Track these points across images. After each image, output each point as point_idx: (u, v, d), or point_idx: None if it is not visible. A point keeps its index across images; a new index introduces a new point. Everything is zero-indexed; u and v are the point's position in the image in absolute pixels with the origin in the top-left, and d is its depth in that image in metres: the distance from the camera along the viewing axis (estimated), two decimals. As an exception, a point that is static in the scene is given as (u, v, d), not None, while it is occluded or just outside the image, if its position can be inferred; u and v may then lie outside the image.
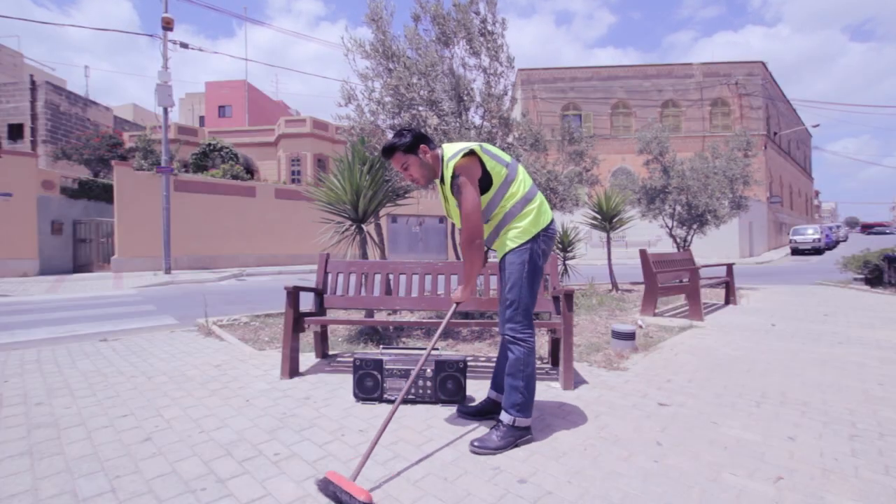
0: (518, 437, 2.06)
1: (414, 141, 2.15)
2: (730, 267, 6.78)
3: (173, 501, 1.65)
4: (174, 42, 14.53)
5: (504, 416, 2.08)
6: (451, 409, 2.49)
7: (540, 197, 2.17)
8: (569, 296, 2.80)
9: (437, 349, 2.92)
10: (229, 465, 1.91)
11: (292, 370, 3.09)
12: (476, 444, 2.02)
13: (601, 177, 8.23)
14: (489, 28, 4.51)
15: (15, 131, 22.49)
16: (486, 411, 2.37)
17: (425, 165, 2.18)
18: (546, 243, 2.13)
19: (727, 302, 6.60)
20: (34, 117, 22.53)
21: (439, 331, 2.25)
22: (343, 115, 4.72)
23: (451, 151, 2.07)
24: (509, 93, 4.60)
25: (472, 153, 2.02)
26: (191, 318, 5.79)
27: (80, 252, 15.40)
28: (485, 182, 2.07)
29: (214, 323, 4.85)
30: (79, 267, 15.30)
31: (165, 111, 14.19)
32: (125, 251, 14.48)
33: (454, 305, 2.29)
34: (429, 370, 2.55)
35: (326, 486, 1.66)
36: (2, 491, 1.73)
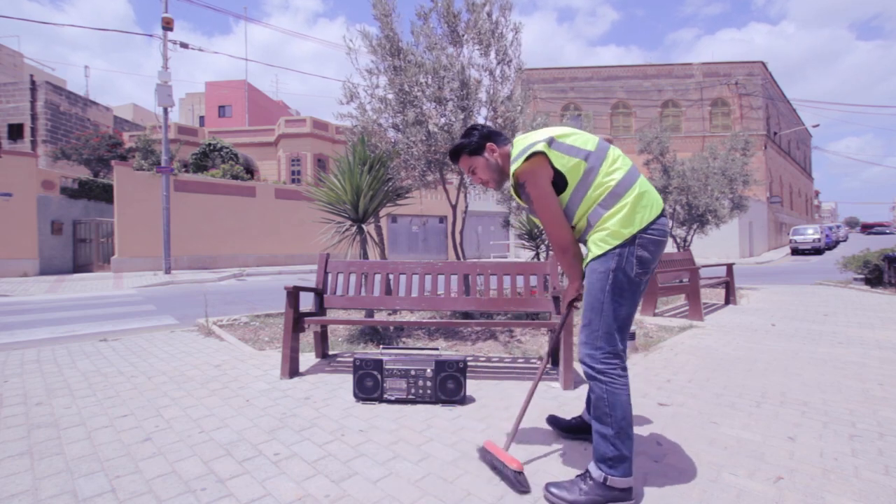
0: (609, 499, 1.60)
1: (481, 140, 1.93)
2: (730, 267, 6.78)
3: (173, 501, 1.65)
4: (174, 42, 14.52)
5: (593, 470, 1.65)
6: (451, 409, 2.49)
7: (639, 187, 1.69)
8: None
9: (437, 349, 2.92)
10: (229, 465, 1.91)
11: (292, 370, 3.09)
12: (552, 490, 1.65)
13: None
14: (501, 31, 4.48)
15: (15, 131, 22.49)
16: (578, 429, 2.13)
17: (494, 167, 1.94)
18: (647, 248, 1.65)
19: (727, 302, 6.61)
20: (34, 117, 22.52)
21: (560, 326, 2.08)
22: (345, 113, 4.70)
23: (517, 150, 1.78)
24: (515, 95, 4.58)
25: (535, 155, 1.70)
26: (191, 319, 5.79)
27: (80, 252, 15.40)
28: (560, 181, 1.73)
29: (214, 323, 4.85)
30: (79, 267, 15.30)
31: (165, 111, 14.19)
32: (125, 251, 14.47)
33: (568, 308, 2.01)
34: (428, 370, 2.55)
35: (484, 455, 1.89)
36: (2, 491, 1.73)
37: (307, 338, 3.98)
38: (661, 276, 5.58)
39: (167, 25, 14.07)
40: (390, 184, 4.51)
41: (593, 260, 1.68)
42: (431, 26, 4.50)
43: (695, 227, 9.37)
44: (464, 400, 2.57)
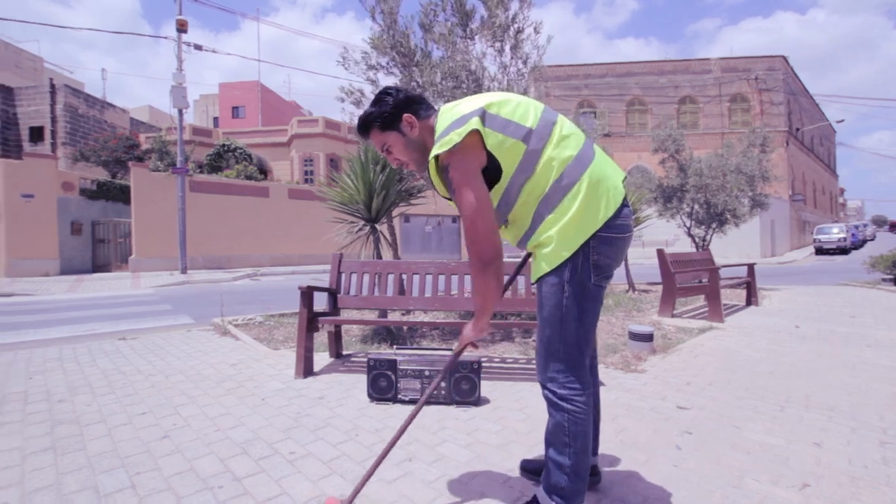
0: None
1: (394, 111, 1.49)
2: (751, 267, 6.63)
3: (192, 498, 1.66)
4: (188, 44, 14.70)
5: (542, 498, 1.46)
6: (465, 411, 2.47)
7: (591, 175, 1.36)
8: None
9: (451, 349, 2.91)
10: (246, 464, 1.92)
11: (307, 370, 3.10)
12: None
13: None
14: (519, 26, 4.42)
15: (35, 134, 23.13)
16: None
17: (414, 145, 1.52)
18: (602, 252, 1.37)
19: (748, 303, 6.46)
20: (54, 120, 23.12)
21: (441, 373, 1.67)
22: (355, 112, 4.71)
23: (443, 125, 1.39)
24: (529, 93, 4.53)
25: (469, 135, 1.33)
26: (207, 318, 5.86)
27: (98, 252, 15.73)
28: (492, 166, 1.39)
29: (230, 322, 4.90)
30: (98, 267, 15.63)
31: (180, 113, 14.40)
32: (142, 251, 14.75)
33: (464, 346, 1.58)
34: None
35: None
36: (27, 485, 1.76)
37: (321, 337, 4.00)
38: (679, 276, 5.48)
39: (181, 27, 14.16)
40: (403, 183, 4.50)
41: (544, 276, 1.40)
42: (444, 21, 4.44)
43: (714, 226, 9.18)
44: (478, 401, 2.55)
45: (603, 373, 3.12)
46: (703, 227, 9.28)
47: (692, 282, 6.04)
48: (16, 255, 13.32)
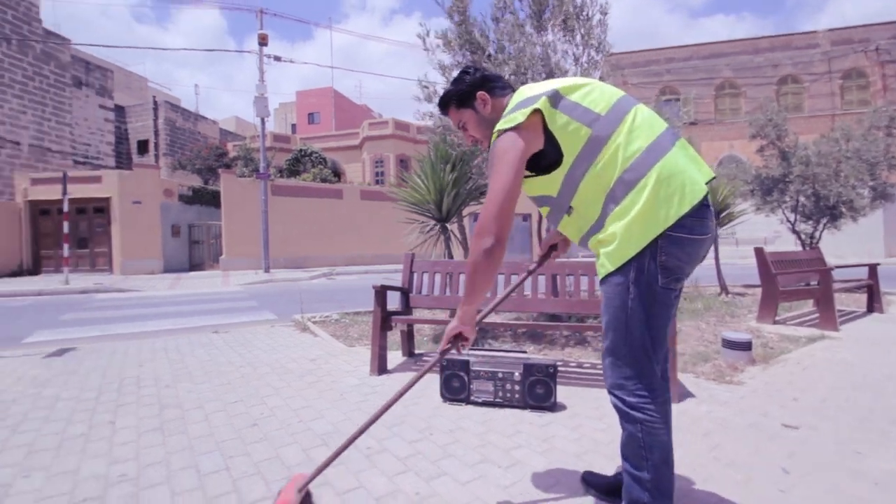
0: None
1: (470, 88, 1.52)
2: (873, 268, 5.78)
3: (278, 484, 1.74)
4: (268, 56, 15.80)
5: None
6: (541, 416, 2.39)
7: (661, 169, 1.25)
8: (671, 299, 2.55)
9: (525, 352, 2.83)
10: (326, 456, 1.98)
11: (381, 367, 3.17)
12: None
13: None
14: (588, 13, 4.22)
15: (142, 146, 26.42)
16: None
17: (487, 122, 1.51)
18: (672, 253, 1.26)
19: (870, 310, 5.65)
20: (156, 133, 26.24)
21: (429, 366, 1.63)
22: (426, 111, 4.72)
23: (513, 103, 1.39)
24: (607, 82, 4.30)
25: (532, 114, 1.30)
26: (287, 314, 6.23)
27: (194, 252, 17.39)
28: (553, 151, 1.33)
29: (309, 319, 5.17)
30: (193, 266, 17.28)
31: (262, 122, 15.50)
32: (231, 251, 16.07)
33: (451, 339, 1.50)
34: (517, 373, 2.47)
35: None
36: (144, 460, 1.97)
37: (394, 336, 4.08)
38: (782, 278, 4.92)
39: (262, 41, 15.22)
40: (473, 182, 4.47)
41: (608, 276, 1.32)
42: (514, 13, 4.32)
43: (824, 221, 8.01)
44: (554, 406, 2.45)
45: (692, 383, 2.88)
46: (810, 222, 8.13)
47: (798, 284, 5.41)
48: (128, 256, 15.09)
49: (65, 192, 11.31)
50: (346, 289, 10.50)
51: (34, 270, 15.38)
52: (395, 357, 3.60)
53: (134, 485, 1.77)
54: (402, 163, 25.79)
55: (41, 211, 15.52)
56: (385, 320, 3.19)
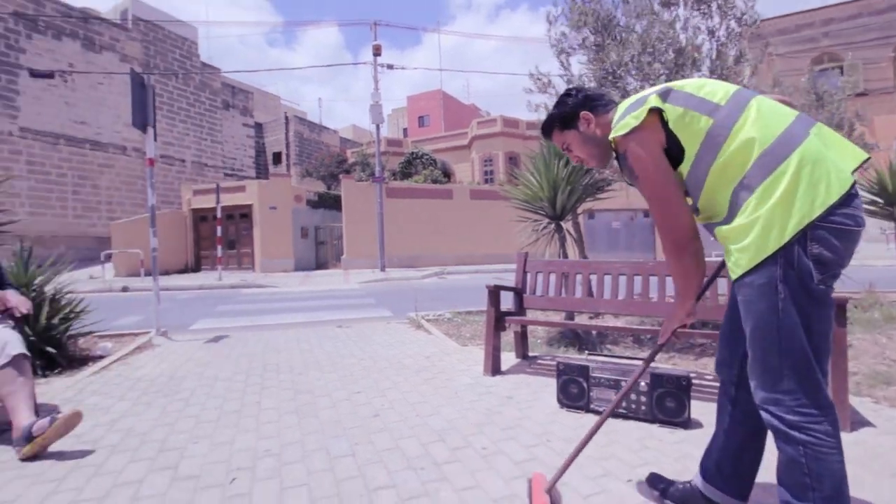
0: None
1: (573, 109, 1.50)
2: None
3: (399, 474, 1.81)
4: (382, 65, 16.85)
5: None
6: (672, 432, 2.16)
7: (803, 154, 1.11)
8: (841, 307, 2.14)
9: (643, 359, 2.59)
10: (442, 452, 2.01)
11: (494, 368, 3.14)
12: None
13: (882, 144, 6.08)
14: None
15: (276, 157, 30.32)
16: (683, 501, 1.56)
17: (593, 140, 1.49)
18: (826, 243, 1.09)
19: None
20: (287, 145, 29.78)
21: (643, 366, 1.71)
22: (539, 102, 4.56)
23: (619, 113, 1.38)
24: (745, 58, 3.77)
25: (647, 114, 1.28)
26: (402, 312, 6.54)
27: (319, 252, 19.25)
28: (675, 147, 1.28)
29: (422, 317, 5.36)
30: (319, 265, 19.11)
31: (378, 128, 16.57)
32: (351, 252, 17.43)
33: (670, 332, 1.53)
34: (644, 384, 2.26)
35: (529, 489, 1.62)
36: (283, 438, 2.19)
37: (506, 337, 4.03)
38: None
39: (377, 52, 16.34)
40: (590, 176, 4.23)
41: (744, 276, 1.16)
42: None
43: None
44: (687, 423, 2.20)
45: (870, 409, 2.38)
46: None
47: None
48: (266, 256, 17.19)
49: (218, 201, 13.31)
50: (457, 288, 10.74)
51: (196, 268, 18.33)
52: (508, 358, 3.55)
53: (277, 460, 1.97)
54: (511, 160, 25.58)
55: (201, 217, 18.44)
56: (499, 320, 3.16)
